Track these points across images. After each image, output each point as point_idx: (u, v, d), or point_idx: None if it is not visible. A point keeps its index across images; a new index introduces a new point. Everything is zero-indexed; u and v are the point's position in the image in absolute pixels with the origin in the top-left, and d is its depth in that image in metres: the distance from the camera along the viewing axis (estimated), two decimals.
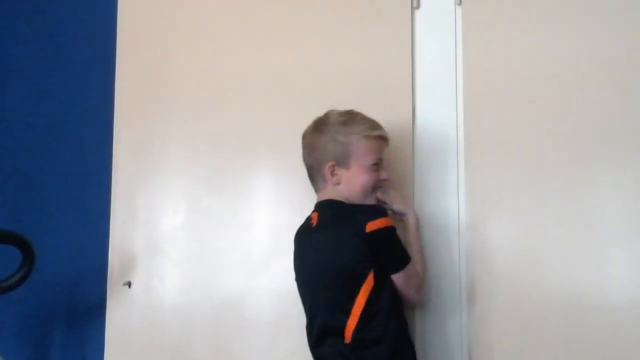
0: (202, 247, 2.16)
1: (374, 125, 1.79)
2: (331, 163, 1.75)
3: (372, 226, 1.66)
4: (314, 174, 1.82)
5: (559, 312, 1.81)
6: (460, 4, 2.01)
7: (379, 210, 1.73)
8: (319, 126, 1.80)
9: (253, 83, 2.17)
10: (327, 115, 1.81)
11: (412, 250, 1.80)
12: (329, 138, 1.76)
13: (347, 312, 1.65)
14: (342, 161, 1.75)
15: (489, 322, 1.87)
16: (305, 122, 1.85)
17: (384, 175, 1.80)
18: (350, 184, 1.76)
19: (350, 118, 1.79)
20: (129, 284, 2.18)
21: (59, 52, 2.42)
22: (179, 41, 2.26)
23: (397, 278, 1.71)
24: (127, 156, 2.26)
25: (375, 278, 1.66)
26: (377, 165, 1.77)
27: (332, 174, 1.76)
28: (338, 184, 1.76)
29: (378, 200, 1.81)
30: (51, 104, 2.39)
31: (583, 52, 1.88)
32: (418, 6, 2.05)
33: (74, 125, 2.36)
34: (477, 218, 1.91)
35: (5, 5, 2.48)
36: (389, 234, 1.70)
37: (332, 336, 1.68)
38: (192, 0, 2.29)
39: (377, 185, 1.79)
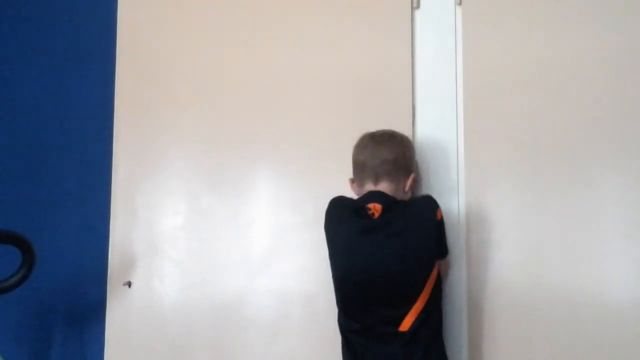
0: (202, 247, 2.16)
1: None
2: (413, 176, 1.85)
3: (440, 214, 1.76)
4: (392, 171, 1.82)
5: (559, 311, 1.81)
6: (460, 4, 2.01)
7: (433, 199, 1.80)
8: (405, 138, 1.89)
9: (253, 83, 2.17)
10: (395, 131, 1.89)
11: None
12: (410, 151, 1.88)
13: (410, 304, 1.70)
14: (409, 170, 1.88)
15: (490, 322, 1.87)
16: (305, 122, 1.85)
17: None
18: (408, 192, 1.87)
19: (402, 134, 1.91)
20: (129, 284, 2.18)
21: (59, 52, 2.42)
22: (179, 41, 2.26)
23: (441, 265, 1.81)
24: (127, 156, 2.26)
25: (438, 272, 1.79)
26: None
27: (411, 186, 1.85)
28: (406, 193, 1.85)
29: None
30: (51, 104, 2.39)
31: (583, 52, 1.88)
32: (418, 6, 2.05)
33: (74, 125, 2.36)
34: (477, 217, 1.91)
35: (5, 5, 2.48)
36: (442, 224, 1.79)
37: (391, 325, 1.70)
38: (192, 1, 2.29)
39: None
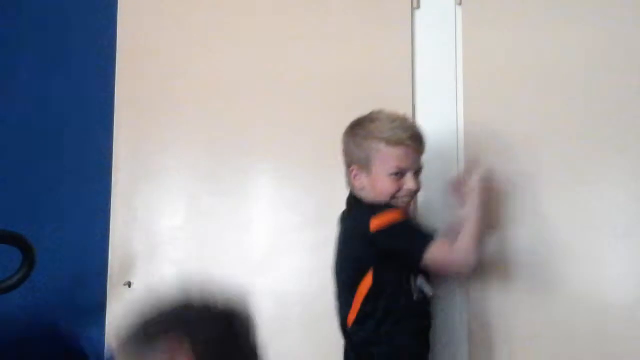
0: (202, 247, 2.16)
1: (398, 127, 1.67)
2: (352, 168, 1.70)
3: (374, 225, 1.62)
4: (344, 165, 1.75)
5: (559, 311, 1.81)
6: (460, 4, 2.01)
7: (385, 206, 1.65)
8: (352, 126, 1.73)
9: (253, 83, 2.17)
10: (364, 115, 1.72)
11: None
12: (352, 140, 1.70)
13: (349, 305, 1.67)
14: (364, 166, 1.68)
15: (490, 322, 1.87)
16: (305, 122, 1.85)
17: (409, 184, 1.66)
18: (372, 190, 1.68)
19: (374, 118, 1.68)
20: (129, 284, 2.18)
21: (59, 53, 2.42)
22: (179, 42, 2.26)
23: (426, 261, 1.64)
24: (127, 156, 2.26)
25: (375, 278, 1.64)
26: (400, 175, 1.66)
27: (355, 178, 1.70)
28: (362, 189, 1.70)
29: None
30: (51, 105, 2.39)
31: (583, 52, 1.88)
32: (418, 6, 2.05)
33: (74, 125, 2.35)
34: None
35: (5, 6, 2.48)
36: (393, 232, 1.62)
37: (342, 324, 1.72)
38: (192, 1, 2.29)
39: (401, 194, 1.67)
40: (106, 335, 2.19)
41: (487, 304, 1.87)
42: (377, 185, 1.65)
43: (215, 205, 2.16)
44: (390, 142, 1.63)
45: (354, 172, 1.69)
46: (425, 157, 1.99)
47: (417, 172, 1.68)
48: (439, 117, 2.00)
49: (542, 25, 1.93)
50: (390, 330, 1.64)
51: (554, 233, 1.84)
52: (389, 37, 2.05)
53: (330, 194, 2.00)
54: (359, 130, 1.68)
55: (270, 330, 2.08)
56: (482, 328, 1.87)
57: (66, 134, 2.36)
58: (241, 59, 2.19)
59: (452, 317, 1.90)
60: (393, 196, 1.65)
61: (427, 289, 1.71)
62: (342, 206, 2.01)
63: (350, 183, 1.73)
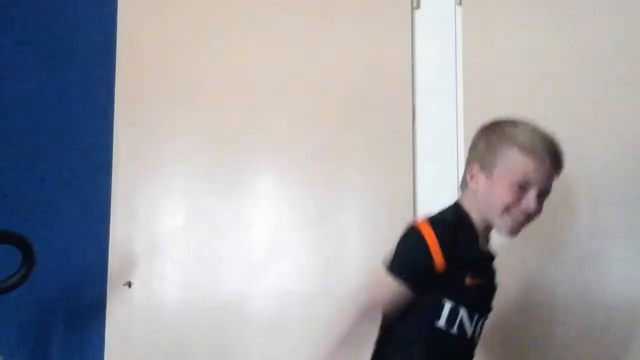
0: (202, 247, 2.16)
1: (538, 138, 1.45)
2: (473, 165, 1.48)
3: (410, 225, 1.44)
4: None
5: (559, 311, 1.81)
6: (460, 4, 2.01)
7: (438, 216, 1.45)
8: (491, 124, 1.51)
9: (253, 83, 2.17)
10: (508, 118, 1.50)
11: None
12: (485, 138, 1.49)
13: None
14: (487, 167, 1.45)
15: (489, 322, 1.87)
16: (305, 121, 1.85)
17: (529, 202, 1.40)
18: (486, 196, 1.44)
19: (518, 123, 1.47)
20: (129, 284, 2.18)
21: (59, 53, 2.41)
22: (178, 41, 2.26)
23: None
24: (127, 156, 2.26)
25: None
26: (523, 189, 1.40)
27: (472, 178, 1.47)
28: (475, 192, 1.45)
29: None
30: (51, 104, 2.39)
31: (583, 52, 1.88)
32: (418, 6, 2.05)
33: (74, 125, 2.35)
34: None
35: (5, 6, 2.48)
36: (406, 236, 1.43)
37: None
38: (192, 1, 2.29)
39: (517, 211, 1.41)
40: (106, 335, 2.19)
41: None
42: (495, 191, 1.42)
43: (215, 205, 2.16)
44: (524, 148, 1.42)
45: (473, 171, 1.46)
46: (425, 157, 1.99)
47: (542, 194, 1.43)
48: (439, 117, 2.00)
49: (542, 25, 1.93)
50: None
51: (554, 233, 1.84)
52: (389, 37, 2.05)
53: (331, 194, 2.01)
54: (497, 130, 1.47)
55: (270, 330, 2.10)
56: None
57: (66, 134, 2.36)
58: (241, 60, 2.19)
59: None
60: (507, 209, 1.41)
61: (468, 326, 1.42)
62: (342, 206, 2.02)
63: (464, 182, 1.49)
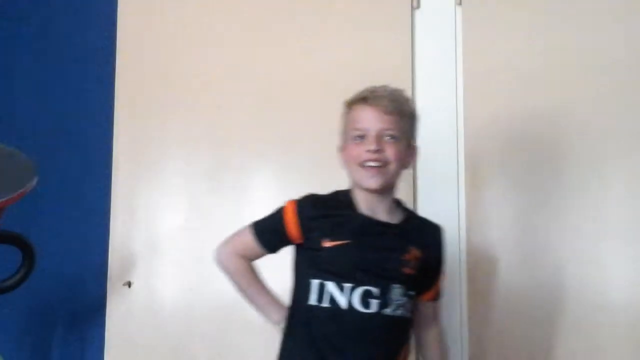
0: (202, 247, 2.16)
1: (359, 93, 1.52)
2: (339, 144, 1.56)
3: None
4: None
5: (559, 311, 1.81)
6: (460, 4, 2.01)
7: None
8: None
9: (253, 83, 2.17)
10: None
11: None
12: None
13: None
14: (341, 142, 1.55)
15: (489, 322, 1.87)
16: (305, 121, 1.85)
17: (369, 145, 1.45)
18: (346, 165, 1.52)
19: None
20: (129, 284, 2.18)
21: (59, 52, 2.41)
22: (178, 41, 2.26)
23: None
24: (127, 156, 2.26)
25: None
26: (361, 139, 1.47)
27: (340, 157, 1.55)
28: (345, 168, 1.53)
29: None
30: (51, 104, 2.39)
31: (582, 52, 1.88)
32: (418, 6, 2.05)
33: (74, 125, 2.35)
34: (477, 218, 1.91)
35: (5, 5, 2.48)
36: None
37: None
38: (191, 1, 2.29)
39: (364, 160, 1.46)
40: (106, 335, 2.19)
41: (486, 304, 1.88)
42: (346, 155, 1.51)
43: (215, 205, 2.16)
44: (348, 105, 1.53)
45: (339, 152, 1.55)
46: (425, 157, 1.99)
47: (381, 135, 1.46)
48: (439, 117, 2.00)
49: (541, 25, 1.93)
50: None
51: (554, 233, 1.84)
52: (389, 37, 2.06)
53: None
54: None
55: (270, 329, 2.09)
56: (481, 328, 1.87)
57: (66, 134, 2.36)
58: (241, 59, 2.19)
59: (452, 316, 1.91)
60: (359, 164, 1.47)
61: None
62: None
63: None
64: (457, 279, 1.91)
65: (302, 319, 1.49)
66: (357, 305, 1.42)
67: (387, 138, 1.46)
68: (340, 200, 1.51)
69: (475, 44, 1.98)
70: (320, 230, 1.47)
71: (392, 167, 1.47)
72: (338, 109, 2.06)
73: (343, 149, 1.53)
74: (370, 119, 1.47)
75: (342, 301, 1.43)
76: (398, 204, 1.55)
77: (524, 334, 1.84)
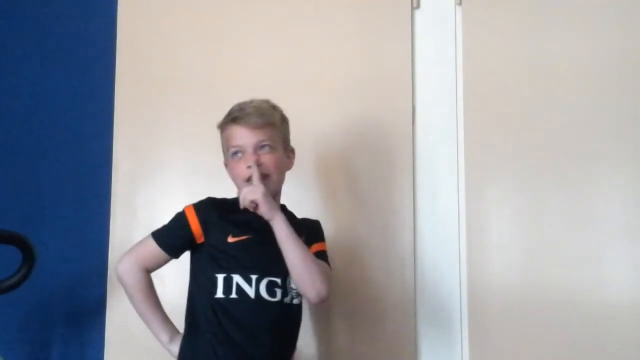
0: None
1: (233, 110, 1.64)
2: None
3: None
4: None
5: (559, 311, 1.81)
6: (460, 4, 2.01)
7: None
8: None
9: (253, 83, 2.16)
10: None
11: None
12: None
13: None
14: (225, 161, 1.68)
15: (489, 322, 1.87)
16: (304, 121, 1.85)
17: (247, 161, 1.58)
18: (234, 182, 1.65)
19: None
20: None
21: (59, 52, 2.41)
22: (179, 41, 2.26)
23: None
24: (127, 156, 2.25)
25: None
26: (240, 155, 1.60)
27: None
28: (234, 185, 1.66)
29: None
30: (51, 104, 2.39)
31: (583, 52, 1.88)
32: (418, 6, 2.05)
33: (74, 125, 2.35)
34: (477, 218, 1.91)
35: (5, 4, 2.48)
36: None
37: None
38: (191, 1, 2.29)
39: (247, 177, 1.59)
40: (106, 335, 2.19)
41: (486, 304, 1.88)
42: (230, 172, 1.65)
43: None
44: (223, 124, 1.65)
45: (225, 167, 1.69)
46: (425, 157, 1.99)
47: (268, 147, 1.60)
48: (439, 117, 2.00)
49: (541, 25, 1.93)
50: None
51: (554, 233, 1.84)
52: (389, 37, 2.06)
53: (331, 194, 2.01)
54: None
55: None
56: (482, 328, 1.87)
57: (66, 134, 2.36)
58: (241, 60, 2.19)
59: (452, 316, 1.91)
60: (245, 180, 1.59)
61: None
62: (342, 205, 2.02)
63: None
64: (457, 279, 1.91)
65: (208, 313, 1.58)
66: (265, 294, 1.55)
67: (264, 150, 1.59)
68: (236, 204, 1.60)
69: (475, 44, 1.98)
70: (221, 227, 1.59)
71: (274, 177, 1.61)
72: (338, 109, 2.07)
73: (227, 165, 1.67)
74: (244, 136, 1.59)
75: (250, 292, 1.55)
76: (284, 208, 1.67)
77: (524, 334, 1.83)
